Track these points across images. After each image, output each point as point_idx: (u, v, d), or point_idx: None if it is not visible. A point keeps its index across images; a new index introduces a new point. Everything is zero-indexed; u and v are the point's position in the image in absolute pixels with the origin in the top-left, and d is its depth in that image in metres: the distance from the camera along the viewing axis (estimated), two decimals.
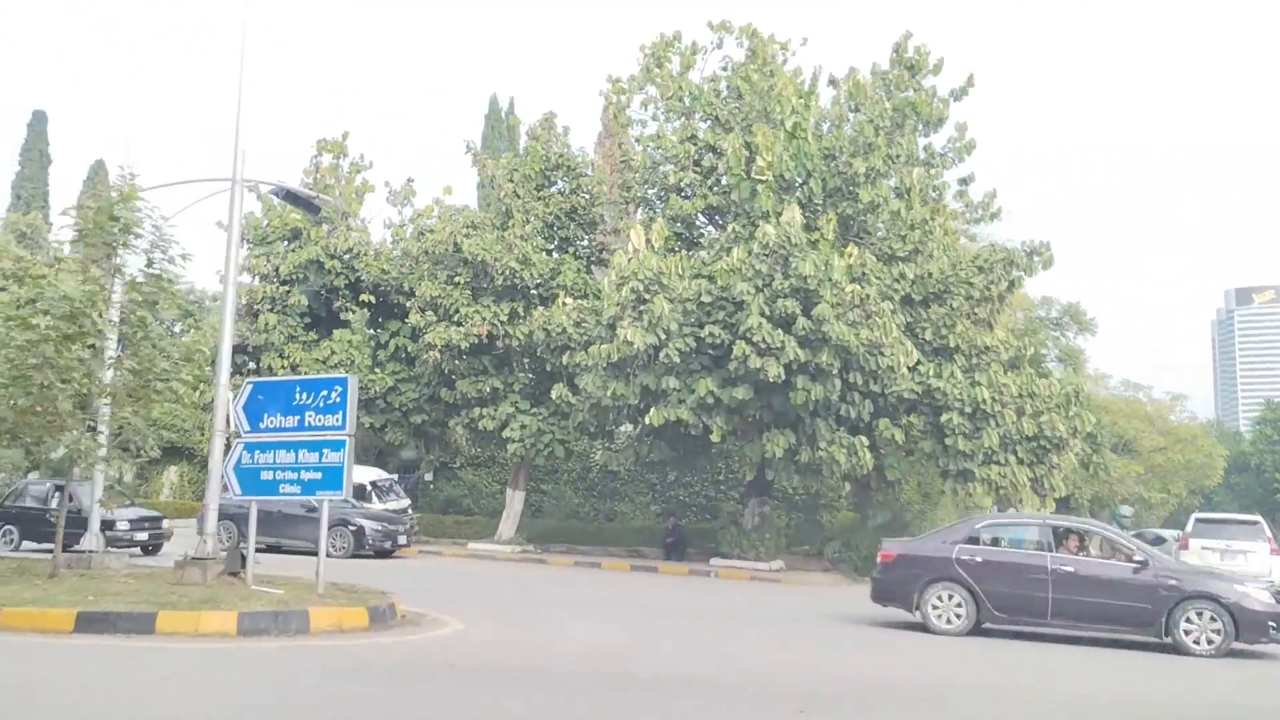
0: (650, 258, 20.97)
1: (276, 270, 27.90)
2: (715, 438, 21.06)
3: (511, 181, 26.53)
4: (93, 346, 12.96)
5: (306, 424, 12.87)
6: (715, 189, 23.57)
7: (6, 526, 21.59)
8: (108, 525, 18.96)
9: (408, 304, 26.80)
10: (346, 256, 28.07)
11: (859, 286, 20.03)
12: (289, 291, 27.67)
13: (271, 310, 27.59)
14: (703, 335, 20.76)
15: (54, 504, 20.99)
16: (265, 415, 13.16)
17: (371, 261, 27.96)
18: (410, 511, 27.07)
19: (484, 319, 24.84)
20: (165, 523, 22.71)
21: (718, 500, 31.16)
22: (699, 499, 31.90)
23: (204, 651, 10.01)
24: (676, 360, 20.65)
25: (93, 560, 15.13)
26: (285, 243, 28.48)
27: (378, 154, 67.10)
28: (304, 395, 12.95)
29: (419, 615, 13.14)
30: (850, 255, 20.87)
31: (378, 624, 12.06)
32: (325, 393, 12.81)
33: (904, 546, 15.26)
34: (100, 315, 13.20)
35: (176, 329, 37.59)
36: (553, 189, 27.37)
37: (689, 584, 20.96)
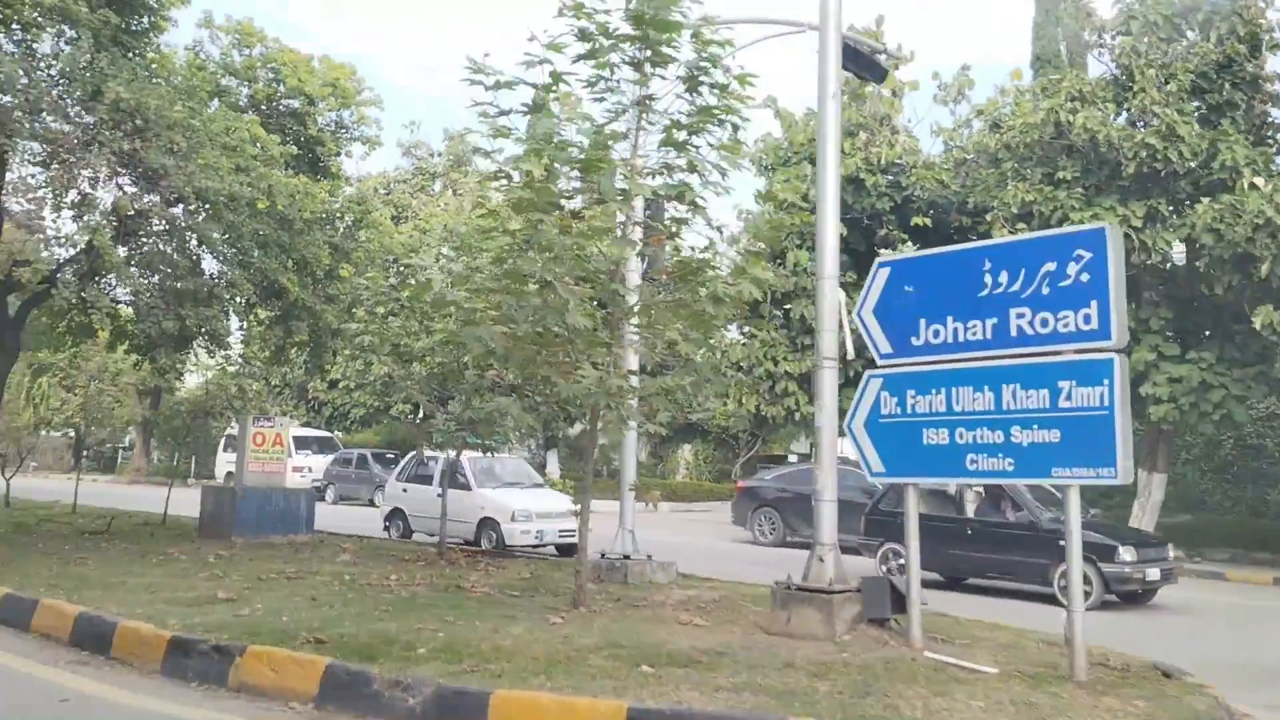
0: None
1: (805, 197, 22.41)
2: None
3: (1129, 34, 18.57)
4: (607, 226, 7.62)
5: (1012, 333, 6.52)
6: None
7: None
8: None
9: (980, 224, 19.89)
10: (891, 173, 21.87)
11: None
12: None
13: (801, 247, 22.18)
14: None
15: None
16: (921, 323, 7.00)
17: (924, 172, 21.46)
18: None
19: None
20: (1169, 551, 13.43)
21: None
22: None
23: None
24: None
25: (629, 570, 10.11)
26: (811, 164, 22.93)
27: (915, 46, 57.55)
28: (1002, 277, 6.57)
29: None
30: None
31: None
32: (1050, 266, 6.31)
33: None
34: (629, 174, 7.89)
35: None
36: (1182, 41, 18.94)
37: None
